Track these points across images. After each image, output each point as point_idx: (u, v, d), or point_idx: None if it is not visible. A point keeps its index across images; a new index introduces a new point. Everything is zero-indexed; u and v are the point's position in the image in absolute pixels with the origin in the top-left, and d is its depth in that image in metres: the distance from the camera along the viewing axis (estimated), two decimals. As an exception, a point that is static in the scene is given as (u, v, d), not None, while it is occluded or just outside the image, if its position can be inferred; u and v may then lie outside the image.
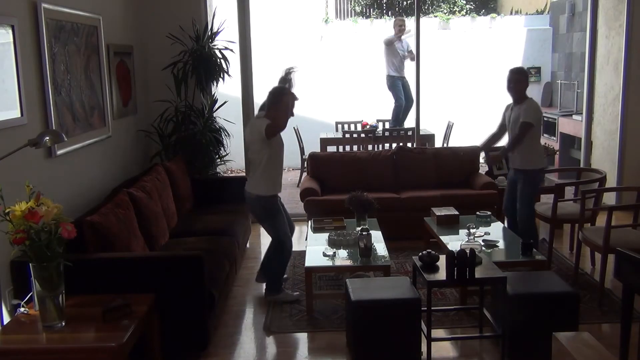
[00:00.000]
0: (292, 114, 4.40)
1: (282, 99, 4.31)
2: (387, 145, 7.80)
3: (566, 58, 9.50)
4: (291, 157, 4.61)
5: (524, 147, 4.85)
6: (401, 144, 7.46)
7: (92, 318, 3.01)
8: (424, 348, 3.55)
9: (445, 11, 13.10)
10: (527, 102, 4.85)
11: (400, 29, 8.19)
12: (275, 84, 4.52)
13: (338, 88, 10.03)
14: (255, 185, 4.49)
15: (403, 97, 8.28)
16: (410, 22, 8.41)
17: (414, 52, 7.15)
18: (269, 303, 4.53)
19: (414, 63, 7.20)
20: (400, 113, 8.37)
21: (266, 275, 4.70)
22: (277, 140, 4.42)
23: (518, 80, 4.86)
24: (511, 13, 12.82)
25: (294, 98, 4.37)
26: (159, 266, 3.56)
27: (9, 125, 3.47)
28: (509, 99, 5.00)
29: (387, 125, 8.55)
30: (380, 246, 4.55)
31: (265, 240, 6.02)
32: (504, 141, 5.15)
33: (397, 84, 8.27)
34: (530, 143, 4.85)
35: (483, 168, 6.77)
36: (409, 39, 8.16)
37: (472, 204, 5.65)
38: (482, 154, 5.61)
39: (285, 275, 4.88)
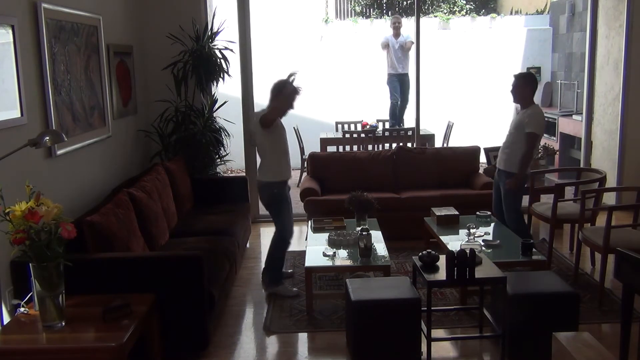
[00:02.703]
0: (292, 107, 4.54)
1: (282, 90, 4.47)
2: (387, 145, 7.80)
3: (566, 58, 9.50)
4: (291, 157, 4.63)
5: (514, 150, 4.80)
6: (401, 144, 7.46)
7: (92, 318, 3.01)
8: (424, 348, 3.55)
9: (445, 11, 13.09)
10: (531, 108, 4.77)
11: (396, 27, 8.26)
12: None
13: (338, 88, 10.03)
14: (263, 173, 4.68)
15: (398, 94, 8.34)
16: (410, 22, 8.43)
17: (414, 48, 7.17)
18: (269, 302, 4.54)
19: (413, 63, 7.20)
20: (395, 111, 8.40)
21: (267, 266, 4.79)
22: (275, 128, 4.55)
23: (516, 85, 4.84)
24: (511, 13, 12.82)
25: (295, 91, 4.50)
26: (159, 266, 3.56)
27: (9, 125, 3.47)
28: (510, 100, 4.99)
29: (387, 125, 8.56)
30: (380, 246, 4.55)
31: (265, 240, 6.02)
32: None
33: (392, 82, 8.33)
34: (520, 147, 4.78)
35: (483, 168, 6.76)
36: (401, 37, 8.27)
37: (472, 204, 5.64)
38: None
39: (290, 270, 5.01)
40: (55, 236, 2.83)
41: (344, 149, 7.87)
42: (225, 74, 6.17)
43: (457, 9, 13.48)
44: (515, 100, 4.91)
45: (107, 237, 3.63)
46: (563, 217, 5.18)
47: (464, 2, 13.77)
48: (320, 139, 8.08)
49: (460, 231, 4.89)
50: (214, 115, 6.25)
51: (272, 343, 4.00)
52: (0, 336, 2.91)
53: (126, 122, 5.61)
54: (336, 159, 6.54)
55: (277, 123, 4.58)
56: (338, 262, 4.38)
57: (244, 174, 6.88)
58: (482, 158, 6.66)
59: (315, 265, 4.33)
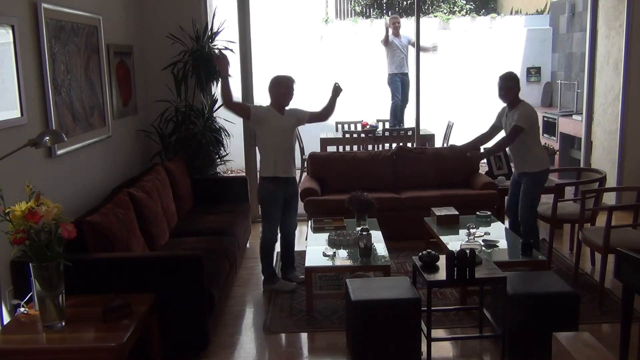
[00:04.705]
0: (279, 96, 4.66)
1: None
2: (387, 145, 7.80)
3: (566, 58, 9.50)
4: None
5: (526, 152, 4.81)
6: (401, 144, 7.46)
7: (92, 318, 3.02)
8: (424, 348, 3.55)
9: (445, 11, 13.10)
10: (521, 105, 4.79)
11: (395, 27, 8.23)
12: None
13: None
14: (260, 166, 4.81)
15: (399, 94, 8.31)
16: (410, 22, 8.43)
17: (415, 50, 7.16)
18: (268, 302, 4.54)
19: (413, 61, 7.20)
20: (397, 111, 8.38)
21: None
22: (265, 123, 4.61)
23: (509, 87, 4.84)
24: (511, 13, 12.83)
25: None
26: (159, 266, 3.56)
27: (9, 125, 3.47)
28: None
29: (387, 125, 8.55)
30: (380, 246, 4.55)
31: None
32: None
33: (394, 81, 8.29)
34: (531, 146, 4.80)
35: (483, 168, 6.76)
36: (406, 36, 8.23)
37: (472, 204, 5.64)
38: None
39: (302, 277, 4.79)
40: (55, 236, 2.83)
41: (344, 149, 7.86)
42: (225, 74, 6.16)
43: (457, 9, 13.49)
44: (505, 100, 4.92)
45: (107, 237, 3.63)
46: (563, 217, 5.18)
47: (464, 2, 13.77)
48: (320, 139, 8.07)
49: (460, 231, 4.89)
50: (214, 115, 6.25)
51: (272, 343, 4.00)
52: (0, 336, 2.91)
53: (126, 122, 5.61)
54: (336, 159, 6.54)
55: (262, 116, 4.60)
56: (338, 262, 4.38)
57: (244, 174, 6.88)
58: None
59: (315, 265, 4.33)
